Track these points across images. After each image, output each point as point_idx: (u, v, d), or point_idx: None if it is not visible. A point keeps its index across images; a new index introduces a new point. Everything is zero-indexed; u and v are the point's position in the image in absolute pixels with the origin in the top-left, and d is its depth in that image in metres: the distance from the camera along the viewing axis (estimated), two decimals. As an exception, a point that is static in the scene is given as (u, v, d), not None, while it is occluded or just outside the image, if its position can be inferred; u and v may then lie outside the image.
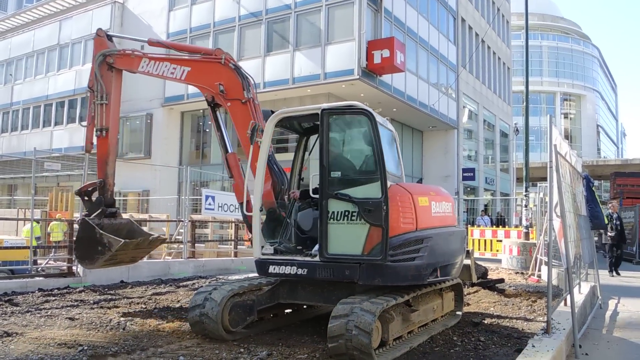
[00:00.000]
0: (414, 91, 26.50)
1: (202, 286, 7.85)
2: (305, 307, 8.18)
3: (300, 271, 6.67)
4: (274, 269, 6.88)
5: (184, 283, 12.48)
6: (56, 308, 8.91)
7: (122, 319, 8.07)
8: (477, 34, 36.43)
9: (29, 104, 34.70)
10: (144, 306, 9.31)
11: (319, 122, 6.78)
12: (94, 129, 9.11)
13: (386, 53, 21.77)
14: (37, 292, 10.40)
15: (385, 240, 6.17)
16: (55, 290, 10.66)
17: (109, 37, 9.40)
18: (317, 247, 6.61)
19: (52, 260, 14.72)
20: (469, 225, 22.65)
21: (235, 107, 8.22)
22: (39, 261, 14.09)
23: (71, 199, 21.00)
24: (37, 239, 16.34)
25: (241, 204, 8.12)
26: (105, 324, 7.72)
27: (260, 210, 7.28)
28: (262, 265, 7.02)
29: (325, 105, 6.82)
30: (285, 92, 23.70)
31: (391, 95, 24.12)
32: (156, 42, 9.97)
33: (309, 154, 8.53)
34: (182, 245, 15.45)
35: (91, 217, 8.77)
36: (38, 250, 14.50)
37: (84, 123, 9.51)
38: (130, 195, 28.47)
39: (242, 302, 6.98)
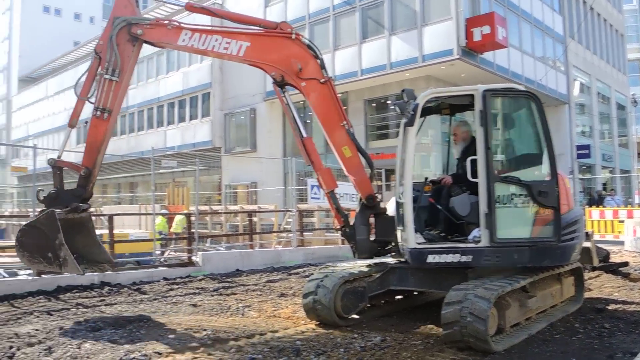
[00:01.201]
0: (518, 67, 25.33)
1: (313, 274, 8.06)
2: (416, 293, 8.16)
3: (464, 258, 6.45)
4: (434, 258, 6.51)
5: (295, 271, 12.86)
6: (180, 295, 9.55)
7: (240, 305, 8.49)
8: (584, 1, 34.06)
9: (143, 107, 37.13)
10: (259, 293, 9.74)
11: (468, 104, 6.72)
12: (94, 107, 7.56)
13: (486, 29, 20.97)
14: (162, 281, 11.19)
15: (559, 221, 6.26)
16: (178, 279, 11.41)
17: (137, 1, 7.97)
18: (475, 232, 6.54)
19: (173, 251, 15.79)
20: (586, 206, 21.39)
21: (312, 87, 7.54)
22: (158, 252, 15.12)
23: (186, 194, 22.35)
24: (160, 232, 17.60)
25: (331, 191, 7.62)
26: (225, 309, 8.18)
27: (368, 200, 7.33)
28: (418, 256, 6.56)
29: (484, 86, 6.60)
30: (383, 78, 23.58)
31: (494, 73, 23.23)
32: (198, 8, 8.68)
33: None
34: (291, 234, 15.93)
35: (61, 212, 7.15)
36: (160, 242, 15.58)
37: (78, 88, 7.74)
38: (239, 188, 29.72)
39: (353, 289, 7.09)
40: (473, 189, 6.64)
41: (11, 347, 5.88)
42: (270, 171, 27.70)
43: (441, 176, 7.49)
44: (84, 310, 8.26)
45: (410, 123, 6.63)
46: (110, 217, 12.97)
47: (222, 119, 31.32)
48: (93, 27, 63.06)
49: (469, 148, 7.17)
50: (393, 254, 7.53)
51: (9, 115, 62.77)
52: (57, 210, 7.08)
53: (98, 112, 7.53)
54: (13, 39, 63.17)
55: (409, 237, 6.57)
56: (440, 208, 6.97)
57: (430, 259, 6.51)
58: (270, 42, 7.61)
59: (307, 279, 7.68)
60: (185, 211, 18.40)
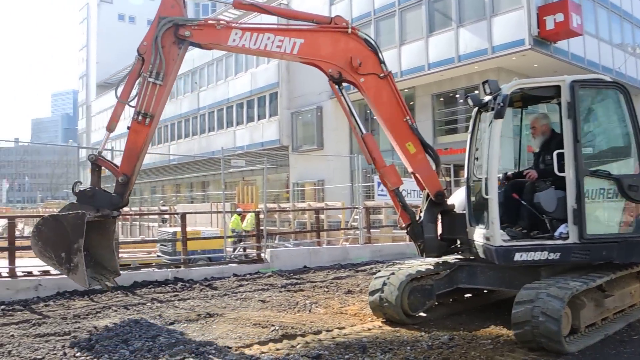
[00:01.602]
0: (594, 55, 24.13)
1: (379, 271, 8.02)
2: (485, 291, 7.96)
3: (551, 256, 6.22)
4: (521, 256, 6.24)
5: (362, 268, 12.84)
6: (249, 291, 9.75)
7: (307, 301, 8.57)
8: (667, -17, 31.95)
9: (213, 108, 38.16)
10: (326, 290, 9.79)
11: (549, 95, 6.55)
12: (136, 112, 7.14)
13: (560, 17, 20.09)
14: (232, 277, 11.47)
15: None
16: (248, 275, 11.65)
17: (184, 1, 7.48)
18: (561, 229, 6.31)
19: (243, 249, 16.15)
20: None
21: (372, 82, 7.29)
22: (230, 249, 15.50)
23: (255, 192, 22.80)
24: (233, 230, 18.05)
25: (396, 189, 7.37)
26: (293, 306, 8.29)
27: (437, 197, 7.19)
28: (505, 254, 6.26)
29: (572, 77, 6.40)
30: (451, 72, 23.09)
31: (569, 62, 22.23)
32: (246, 5, 8.18)
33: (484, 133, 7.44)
34: (358, 231, 15.92)
35: (90, 215, 6.77)
36: (230, 239, 15.98)
37: (119, 89, 7.32)
38: (307, 186, 30.01)
39: (420, 287, 7.00)
40: (557, 183, 6.38)
41: (90, 340, 6.21)
42: (337, 169, 27.79)
43: (526, 170, 7.16)
44: (159, 304, 8.59)
45: (499, 115, 6.33)
46: (183, 216, 13.40)
47: (289, 118, 31.72)
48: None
49: (549, 141, 6.86)
50: (461, 252, 7.38)
51: (88, 120, 66.35)
52: (88, 215, 6.67)
53: (140, 117, 7.13)
54: (90, 47, 66.55)
55: (495, 235, 6.27)
56: (525, 204, 6.63)
57: (518, 257, 6.24)
58: (325, 38, 7.38)
59: (374, 276, 7.64)
60: (255, 209, 18.77)
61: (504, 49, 20.94)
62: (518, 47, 20.50)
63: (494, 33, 21.32)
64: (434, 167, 7.47)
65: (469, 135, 7.48)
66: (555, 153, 6.28)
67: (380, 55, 7.36)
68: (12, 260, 9.91)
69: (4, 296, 8.96)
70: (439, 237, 7.32)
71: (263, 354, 5.68)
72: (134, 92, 7.22)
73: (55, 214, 6.99)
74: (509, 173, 7.53)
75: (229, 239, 17.66)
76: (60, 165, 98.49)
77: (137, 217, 30.44)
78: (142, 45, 7.19)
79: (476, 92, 7.56)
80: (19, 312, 8.11)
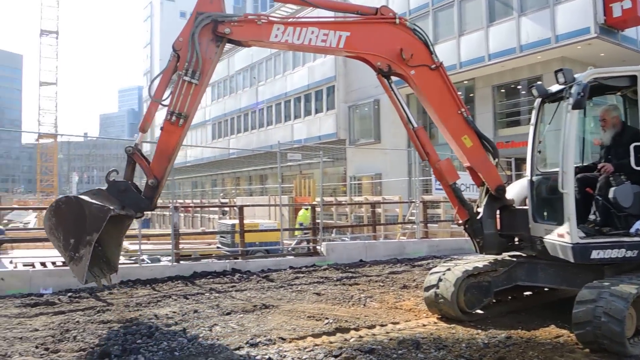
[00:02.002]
0: (667, 43, 22.82)
1: (436, 266, 7.91)
2: (546, 289, 7.70)
3: (629, 254, 5.96)
4: (598, 254, 5.95)
5: (419, 262, 12.71)
6: (305, 284, 9.84)
7: (362, 295, 8.56)
8: None
9: (271, 102, 38.61)
10: (381, 284, 9.75)
11: (627, 85, 6.31)
12: (169, 112, 6.69)
13: (627, 4, 19.09)
14: (288, 269, 11.60)
15: None
16: (303, 268, 11.76)
17: None
18: (637, 225, 6.02)
19: (300, 241, 16.31)
20: None
21: (423, 74, 7.01)
22: (286, 242, 15.66)
23: (312, 186, 22.93)
24: (300, 224, 18.22)
25: (454, 183, 7.16)
26: (348, 299, 8.30)
27: (498, 191, 6.99)
28: (582, 252, 5.98)
29: None
30: (513, 62, 22.41)
31: (637, 50, 21.14)
32: None
33: (548, 124, 7.17)
34: (415, 226, 15.76)
35: (115, 212, 6.20)
36: (287, 232, 16.16)
37: (154, 86, 6.78)
38: (364, 179, 29.92)
39: (477, 284, 6.85)
40: (633, 177, 6.07)
41: (151, 327, 6.43)
42: (394, 162, 27.56)
43: (601, 164, 6.82)
44: (217, 295, 8.80)
45: (579, 105, 6.02)
46: (241, 208, 13.65)
47: (346, 111, 31.69)
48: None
49: (621, 134, 6.51)
50: (522, 249, 7.16)
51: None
52: (113, 211, 6.14)
53: (173, 118, 6.68)
54: (154, 44, 68.62)
55: (572, 232, 5.98)
56: (599, 199, 6.29)
57: (595, 254, 5.95)
58: (372, 30, 7.06)
59: (429, 271, 7.54)
60: (311, 202, 18.89)
61: (568, 37, 20.12)
62: (583, 35, 19.65)
63: (557, 21, 20.51)
64: (492, 160, 7.24)
65: (531, 128, 7.12)
66: (632, 146, 5.97)
67: (430, 45, 7.10)
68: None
69: (72, 284, 9.37)
70: (498, 234, 7.13)
71: (316, 347, 5.71)
72: (168, 91, 6.78)
73: (81, 197, 6.35)
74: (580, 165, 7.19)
75: (297, 233, 17.77)
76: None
77: (198, 209, 31.23)
78: (178, 41, 6.78)
79: (538, 82, 7.20)
80: (84, 299, 8.51)
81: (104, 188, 6.60)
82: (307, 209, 18.82)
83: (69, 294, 8.81)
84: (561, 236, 6.14)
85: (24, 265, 11.17)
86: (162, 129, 6.78)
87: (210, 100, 48.22)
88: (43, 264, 11.25)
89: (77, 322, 6.73)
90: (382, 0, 27.95)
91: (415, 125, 7.20)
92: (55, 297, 8.62)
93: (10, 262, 11.62)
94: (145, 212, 7.12)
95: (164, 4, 67.41)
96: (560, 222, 6.14)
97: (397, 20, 7.00)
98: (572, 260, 6.03)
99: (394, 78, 7.26)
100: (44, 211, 7.09)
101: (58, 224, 6.23)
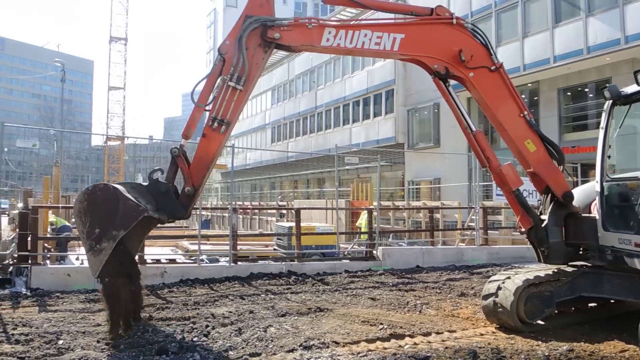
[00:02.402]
0: None
1: (495, 274, 7.68)
2: (612, 301, 7.33)
3: None
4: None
5: (478, 270, 12.41)
6: (360, 288, 9.78)
7: (418, 302, 8.43)
8: None
9: (330, 106, 38.74)
10: (438, 291, 9.57)
11: None
12: (211, 117, 6.46)
13: None
14: (343, 273, 11.57)
15: None
16: (359, 272, 11.70)
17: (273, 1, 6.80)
18: None
19: (356, 245, 16.24)
20: None
21: (482, 76, 6.78)
22: (343, 246, 15.61)
23: (370, 190, 22.81)
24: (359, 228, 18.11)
25: (517, 189, 6.91)
26: (403, 305, 8.19)
27: (565, 198, 6.70)
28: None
29: None
30: (579, 64, 21.55)
31: None
32: None
33: (619, 128, 6.77)
34: (474, 232, 15.39)
35: (149, 213, 5.99)
36: (344, 235, 16.12)
37: (197, 90, 6.53)
38: (422, 184, 29.53)
39: (538, 293, 6.61)
40: None
41: (207, 326, 6.55)
42: (454, 167, 27.06)
43: None
44: (272, 296, 8.88)
45: None
46: (298, 211, 13.73)
47: (405, 115, 31.38)
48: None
49: None
50: (589, 259, 6.83)
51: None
52: (148, 212, 5.93)
53: (215, 124, 6.43)
54: (217, 50, 70.30)
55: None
56: None
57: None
58: (427, 32, 6.84)
59: (488, 279, 7.33)
60: (368, 207, 18.78)
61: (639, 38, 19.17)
62: (658, 36, 18.68)
63: (627, 22, 19.56)
64: (557, 165, 6.96)
65: (601, 131, 6.76)
66: None
67: (489, 46, 6.88)
68: (141, 248, 10.69)
69: (135, 281, 9.71)
70: (564, 243, 6.84)
71: (370, 352, 5.66)
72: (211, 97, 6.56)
73: (118, 187, 6.13)
74: None
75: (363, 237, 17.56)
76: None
77: (257, 211, 31.67)
78: (224, 45, 6.52)
79: (611, 84, 6.82)
80: (145, 297, 8.75)
81: (144, 184, 6.49)
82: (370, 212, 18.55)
83: (131, 291, 9.10)
84: (638, 246, 5.81)
85: (90, 262, 11.63)
86: (203, 135, 6.56)
87: (270, 104, 48.92)
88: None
89: (138, 317, 6.92)
90: (443, 2, 27.58)
91: (474, 129, 6.98)
92: (118, 293, 8.92)
93: (77, 259, 12.14)
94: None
95: (227, 10, 68.85)
96: (638, 231, 5.82)
97: (454, 21, 6.80)
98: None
99: (452, 82, 7.10)
100: None
101: (88, 209, 6.05)
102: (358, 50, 6.86)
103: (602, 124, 6.79)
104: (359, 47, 6.73)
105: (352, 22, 7.13)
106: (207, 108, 6.54)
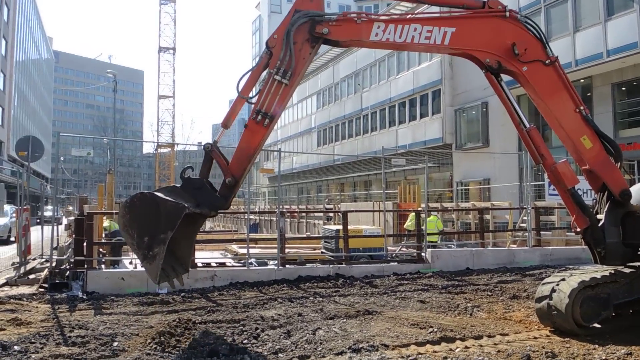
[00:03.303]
0: None
1: (549, 276, 7.46)
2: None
3: None
4: None
5: (530, 272, 12.09)
6: (409, 291, 9.68)
7: (469, 304, 8.28)
8: None
9: (375, 108, 38.57)
10: (490, 293, 9.37)
11: None
12: (255, 110, 6.49)
13: None
14: (392, 275, 11.49)
15: None
16: (407, 275, 11.59)
17: None
18: None
19: (405, 248, 16.09)
20: None
21: (536, 70, 6.60)
22: (390, 248, 15.51)
23: (417, 191, 22.58)
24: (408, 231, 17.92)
25: (572, 188, 6.68)
26: (453, 308, 8.06)
27: (623, 196, 6.45)
28: None
29: None
30: (635, 58, 20.72)
31: None
32: None
33: None
34: (526, 233, 15.01)
35: (190, 210, 6.04)
36: (391, 238, 16.01)
37: (242, 82, 6.60)
38: (471, 185, 29.01)
39: (594, 295, 6.39)
40: None
41: (257, 329, 6.63)
42: (504, 167, 26.45)
43: None
44: (321, 299, 8.90)
45: None
46: (345, 214, 13.73)
47: (452, 115, 30.90)
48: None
49: None
50: None
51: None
52: (188, 209, 5.99)
53: (259, 117, 6.46)
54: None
55: None
56: None
57: None
58: (479, 25, 6.69)
59: (542, 281, 7.12)
60: (417, 208, 18.58)
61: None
62: None
63: (687, 12, 18.73)
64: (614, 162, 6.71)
65: None
66: None
67: (544, 39, 6.69)
68: (192, 252, 10.91)
69: (185, 284, 9.90)
70: (622, 243, 6.59)
71: (420, 355, 5.61)
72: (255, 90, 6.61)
73: (156, 193, 6.29)
74: None
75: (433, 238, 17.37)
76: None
77: (304, 214, 31.85)
78: (272, 38, 6.53)
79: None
80: (196, 299, 8.95)
81: (178, 185, 6.54)
82: (435, 215, 18.19)
83: (182, 294, 9.31)
84: None
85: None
86: (245, 126, 6.58)
87: (316, 108, 49.09)
88: (160, 265, 11.95)
89: (189, 320, 7.07)
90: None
91: (528, 125, 6.80)
92: (170, 296, 9.14)
93: (130, 263, 12.49)
94: (219, 211, 6.87)
95: (272, 17, 69.59)
96: None
97: (507, 14, 6.65)
98: None
99: (505, 78, 6.93)
100: None
101: (132, 221, 6.14)
102: (408, 45, 6.75)
103: None
104: (408, 42, 6.63)
105: (402, 17, 7.00)
106: (251, 101, 6.57)
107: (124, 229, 6.23)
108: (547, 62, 6.62)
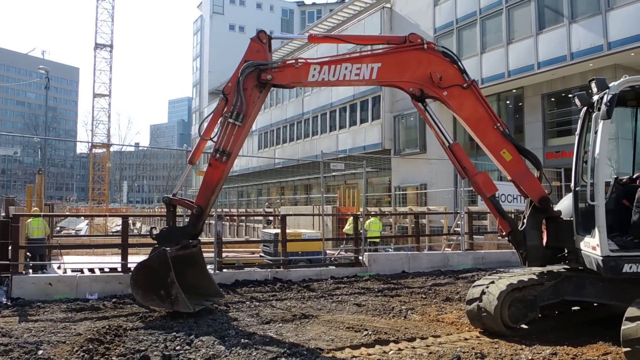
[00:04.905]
0: None
1: (479, 279, 7.71)
2: (595, 304, 7.38)
3: None
4: (630, 267, 5.84)
5: (463, 275, 12.44)
6: (345, 294, 9.75)
7: (403, 307, 8.42)
8: None
9: (316, 112, 38.78)
10: (424, 296, 9.57)
11: None
12: (215, 149, 7.60)
13: (686, 8, 18.29)
14: (329, 279, 11.54)
15: None
16: (345, 278, 11.67)
17: (270, 43, 7.87)
18: None
19: (343, 251, 16.20)
20: None
21: (455, 94, 7.18)
22: (329, 252, 15.59)
23: (357, 196, 22.82)
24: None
25: (492, 196, 7.14)
26: (388, 311, 8.18)
27: (542, 203, 6.78)
28: (613, 265, 5.84)
29: None
30: (563, 70, 21.78)
31: (699, 57, 20.20)
32: (321, 37, 8.73)
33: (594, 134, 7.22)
34: (460, 237, 15.45)
35: (171, 250, 7.38)
36: (330, 242, 16.08)
37: (204, 125, 7.87)
38: (408, 190, 29.61)
39: (522, 297, 6.63)
40: None
41: (190, 334, 6.49)
42: (440, 172, 27.16)
43: (638, 174, 6.57)
44: (257, 304, 8.83)
45: (606, 115, 5.98)
46: (283, 217, 13.70)
47: (391, 121, 31.48)
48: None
49: None
50: (568, 262, 6.91)
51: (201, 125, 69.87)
52: (169, 249, 7.28)
53: (217, 155, 7.56)
54: (204, 57, 70.10)
55: (601, 244, 5.85)
56: (636, 210, 6.10)
57: (627, 268, 5.81)
58: (401, 58, 7.36)
59: (472, 284, 7.35)
60: (355, 212, 18.76)
61: (622, 44, 19.38)
62: (637, 42, 18.92)
63: (610, 28, 19.82)
64: (535, 172, 7.10)
65: (576, 137, 7.00)
66: None
67: (460, 65, 7.27)
68: (124, 256, 10.60)
69: (117, 290, 9.62)
70: (543, 245, 6.92)
71: (354, 358, 5.65)
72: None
73: (141, 261, 7.77)
74: (623, 178, 6.93)
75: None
76: (175, 168, 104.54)
77: (243, 218, 31.57)
78: (227, 86, 7.58)
79: (581, 91, 7.02)
80: (128, 305, 8.67)
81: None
82: (376, 217, 18.32)
83: (114, 300, 9.01)
84: (594, 248, 6.00)
85: (72, 271, 11.51)
86: (209, 164, 7.64)
87: (257, 111, 48.85)
88: (91, 270, 11.56)
89: (120, 327, 6.85)
90: (429, 11, 27.81)
91: (451, 141, 7.33)
92: (101, 302, 8.83)
93: (59, 267, 12.00)
94: (199, 238, 8.11)
95: (214, 17, 68.74)
96: (593, 234, 5.96)
97: (425, 46, 7.26)
98: (602, 273, 5.90)
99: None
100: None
101: (145, 290, 7.40)
102: (341, 82, 7.60)
103: (578, 130, 7.02)
104: (341, 79, 7.48)
105: (334, 58, 7.71)
106: (212, 140, 7.70)
107: (144, 299, 7.48)
108: (464, 85, 7.18)
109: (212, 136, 7.81)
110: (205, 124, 7.85)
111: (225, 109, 7.55)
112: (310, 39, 8.40)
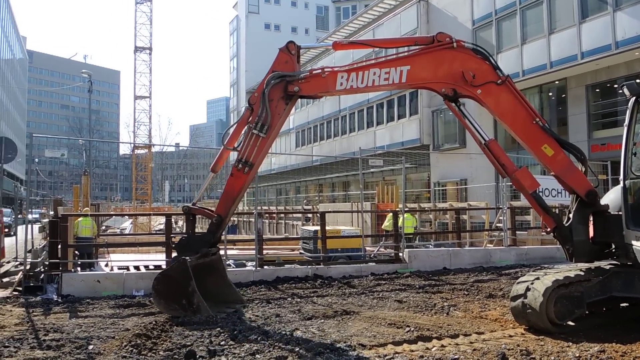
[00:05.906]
0: None
1: (524, 275, 7.57)
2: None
3: None
4: None
5: (506, 271, 12.25)
6: (386, 291, 9.73)
7: (445, 304, 8.35)
8: None
9: (353, 109, 38.69)
10: (466, 293, 9.47)
11: None
12: (237, 159, 7.59)
13: None
14: (369, 276, 11.53)
15: None
16: (385, 275, 11.65)
17: (299, 54, 7.76)
18: None
19: (383, 248, 16.16)
20: None
21: (490, 91, 7.01)
22: (368, 249, 15.55)
23: (395, 192, 22.70)
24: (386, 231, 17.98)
25: (534, 191, 6.98)
26: (430, 307, 8.12)
27: (588, 197, 6.59)
28: None
29: None
30: (608, 60, 21.12)
31: None
32: (346, 44, 8.52)
33: None
34: (502, 233, 15.19)
35: (191, 260, 7.50)
36: (369, 238, 16.04)
37: (226, 137, 7.95)
38: (448, 185, 29.26)
39: (568, 294, 6.49)
40: None
41: (234, 330, 6.59)
42: (481, 167, 26.71)
43: None
44: (298, 300, 8.90)
45: None
46: (322, 214, 13.75)
47: (429, 116, 31.15)
48: (308, 38, 68.02)
49: None
50: (616, 257, 6.72)
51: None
52: (189, 258, 7.38)
53: (240, 165, 7.53)
54: (240, 56, 70.77)
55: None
56: None
57: None
58: (431, 59, 7.19)
59: (517, 280, 7.23)
60: (395, 209, 18.65)
61: (671, 31, 18.71)
62: (688, 28, 18.21)
63: (657, 15, 19.13)
64: (579, 166, 6.92)
65: (625, 129, 6.80)
66: None
67: (492, 60, 7.10)
68: (168, 253, 10.81)
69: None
70: (590, 241, 6.75)
71: (397, 354, 5.63)
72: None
73: (162, 271, 8.04)
74: None
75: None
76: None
77: (282, 215, 31.79)
78: (253, 96, 7.55)
79: (630, 81, 6.80)
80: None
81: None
82: (409, 213, 18.24)
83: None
84: None
85: (119, 269, 11.83)
86: (231, 174, 7.66)
87: (294, 109, 49.07)
88: (137, 268, 11.85)
89: (166, 322, 7.01)
90: (466, 2, 27.35)
91: (487, 139, 7.15)
92: (147, 299, 9.04)
93: (106, 265, 12.34)
94: (217, 245, 8.31)
95: (250, 17, 69.31)
96: None
97: (455, 44, 7.06)
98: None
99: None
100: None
101: (167, 300, 7.49)
102: (370, 88, 7.42)
103: (626, 121, 6.81)
104: (370, 85, 7.33)
105: (361, 64, 7.62)
106: (236, 149, 7.70)
107: (167, 309, 7.50)
108: (498, 82, 6.98)
109: (235, 145, 7.85)
110: (230, 132, 7.92)
111: (250, 119, 7.53)
112: (335, 46, 8.15)
